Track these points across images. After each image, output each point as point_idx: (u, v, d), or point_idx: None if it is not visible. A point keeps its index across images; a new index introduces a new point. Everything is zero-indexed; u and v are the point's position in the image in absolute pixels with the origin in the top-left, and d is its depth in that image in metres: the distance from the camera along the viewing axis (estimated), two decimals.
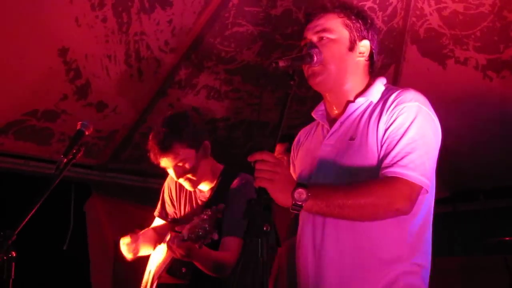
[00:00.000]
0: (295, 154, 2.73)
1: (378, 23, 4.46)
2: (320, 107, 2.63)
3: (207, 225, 2.78)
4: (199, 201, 3.34)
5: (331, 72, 2.46)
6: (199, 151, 3.24)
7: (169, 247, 2.95)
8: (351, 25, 2.48)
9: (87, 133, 2.70)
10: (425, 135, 2.32)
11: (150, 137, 3.25)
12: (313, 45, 2.46)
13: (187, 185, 3.28)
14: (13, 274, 2.28)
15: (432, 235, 2.45)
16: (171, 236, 3.01)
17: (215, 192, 3.27)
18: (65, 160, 2.58)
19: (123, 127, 4.78)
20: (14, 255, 2.30)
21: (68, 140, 4.37)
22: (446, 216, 5.66)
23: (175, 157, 3.18)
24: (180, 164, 3.19)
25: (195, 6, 4.08)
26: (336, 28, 2.47)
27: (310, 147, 2.62)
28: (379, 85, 2.51)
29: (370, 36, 2.52)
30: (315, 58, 2.40)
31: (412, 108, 2.34)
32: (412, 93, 2.39)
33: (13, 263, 2.29)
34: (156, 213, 3.55)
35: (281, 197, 2.18)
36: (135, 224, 5.09)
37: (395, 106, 2.35)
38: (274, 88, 4.66)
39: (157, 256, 3.30)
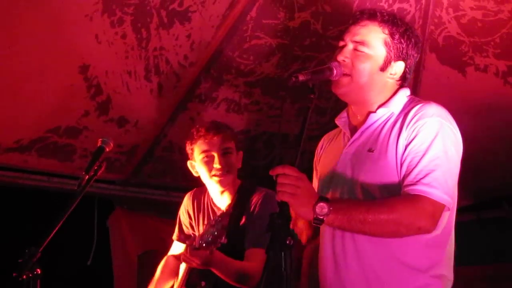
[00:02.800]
0: (318, 160, 2.74)
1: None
2: (343, 114, 2.62)
3: (215, 230, 2.80)
4: None
5: (356, 86, 2.45)
6: (238, 153, 3.35)
7: (184, 259, 2.96)
8: (391, 45, 2.45)
9: (107, 149, 2.72)
10: (447, 151, 2.30)
11: (199, 125, 3.38)
12: (334, 60, 2.45)
13: (217, 182, 3.28)
14: None
15: (455, 244, 2.44)
16: (185, 248, 3.03)
17: (234, 207, 3.27)
18: (87, 177, 2.60)
19: (144, 141, 4.81)
20: (39, 272, 2.32)
21: (90, 156, 4.40)
22: (469, 224, 5.61)
23: (225, 139, 3.28)
24: (228, 145, 3.28)
25: (213, 21, 4.10)
26: (374, 44, 2.45)
27: (331, 153, 2.63)
28: (402, 96, 2.50)
29: (408, 58, 2.48)
30: (335, 72, 2.39)
31: (434, 123, 2.32)
32: (434, 107, 2.38)
33: (39, 281, 2.31)
34: (174, 237, 3.55)
35: (302, 211, 2.19)
36: (158, 238, 5.13)
37: (416, 121, 2.33)
38: (294, 99, 4.66)
39: (180, 273, 3.31)
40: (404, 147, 2.33)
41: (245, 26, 4.20)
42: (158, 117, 4.66)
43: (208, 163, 3.26)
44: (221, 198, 3.33)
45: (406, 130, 2.35)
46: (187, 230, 3.48)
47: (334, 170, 2.51)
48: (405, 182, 2.28)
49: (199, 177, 3.41)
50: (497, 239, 5.41)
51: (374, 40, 2.45)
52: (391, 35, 2.45)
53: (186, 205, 3.50)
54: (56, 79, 4.05)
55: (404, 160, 2.31)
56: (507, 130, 4.75)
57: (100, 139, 2.71)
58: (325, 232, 2.50)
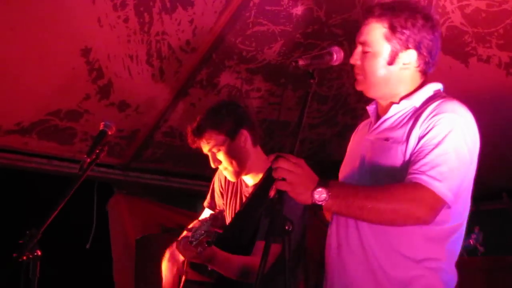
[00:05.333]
0: (350, 143, 2.76)
1: None
2: (374, 101, 2.64)
3: (203, 231, 2.78)
4: (243, 197, 3.31)
5: (370, 84, 2.49)
6: (235, 140, 3.23)
7: (179, 250, 2.95)
8: (393, 38, 2.43)
9: (109, 133, 2.72)
10: (459, 149, 2.28)
11: (188, 126, 3.30)
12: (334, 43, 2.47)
13: (227, 175, 3.28)
14: (38, 272, 2.31)
15: None
16: (180, 239, 3.01)
17: (254, 192, 3.23)
18: (89, 160, 2.61)
19: (145, 126, 4.81)
20: (40, 254, 2.32)
21: (91, 139, 4.42)
22: (469, 215, 5.61)
23: (208, 142, 3.21)
24: (214, 150, 3.21)
25: (216, 6, 4.08)
26: (375, 41, 2.45)
27: (357, 139, 2.68)
28: (428, 90, 2.48)
29: (420, 43, 2.44)
30: (335, 56, 2.39)
31: (450, 120, 2.30)
32: (453, 104, 2.36)
33: (39, 262, 2.32)
34: (205, 203, 3.51)
35: (301, 197, 2.18)
36: (157, 223, 5.15)
37: (433, 116, 2.32)
38: (295, 87, 4.65)
39: None
40: (417, 140, 2.32)
41: (248, 12, 4.18)
42: (159, 102, 4.66)
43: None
44: (248, 178, 3.31)
45: (422, 123, 2.34)
46: (218, 199, 3.46)
47: (353, 155, 2.56)
48: (410, 170, 2.26)
49: (204, 157, 3.40)
50: (497, 231, 5.42)
51: (375, 38, 2.45)
52: (391, 27, 2.43)
53: (219, 173, 3.46)
54: (58, 62, 4.04)
55: (414, 152, 2.30)
56: (507, 121, 4.75)
57: (103, 123, 2.71)
58: (331, 221, 2.52)
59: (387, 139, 2.41)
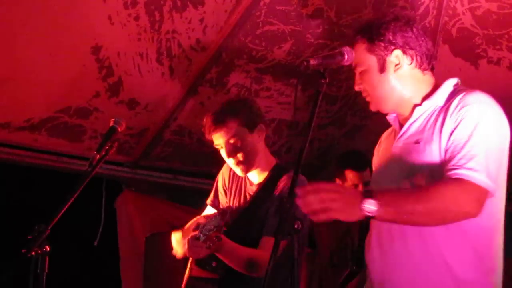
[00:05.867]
0: (375, 156, 2.80)
1: None
2: None
3: (211, 227, 2.80)
4: (247, 195, 3.32)
5: (377, 99, 2.56)
6: (253, 132, 3.24)
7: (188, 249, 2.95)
8: (374, 48, 2.51)
9: (119, 129, 2.73)
10: (490, 137, 2.32)
11: (205, 117, 3.28)
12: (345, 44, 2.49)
13: (238, 169, 3.26)
14: (47, 268, 2.32)
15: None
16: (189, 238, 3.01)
17: (262, 188, 3.24)
18: (98, 156, 2.61)
19: (154, 124, 4.82)
20: (48, 249, 2.33)
21: (100, 137, 4.43)
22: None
23: (228, 131, 3.18)
24: (232, 141, 3.19)
25: (227, 5, 4.09)
26: (362, 58, 2.54)
27: (384, 149, 2.71)
28: (448, 87, 2.52)
29: (401, 42, 2.50)
30: (346, 57, 2.41)
31: (476, 110, 2.34)
32: (477, 95, 2.41)
33: (47, 257, 2.33)
34: (208, 201, 3.52)
35: (352, 216, 2.21)
36: (165, 221, 5.16)
37: (459, 110, 2.35)
38: (305, 87, 4.65)
39: None
40: (448, 136, 2.34)
41: (258, 12, 4.19)
42: (169, 101, 4.66)
43: (223, 155, 3.25)
44: (253, 175, 3.32)
45: (449, 119, 2.37)
46: (221, 197, 3.47)
47: (385, 165, 2.60)
48: (448, 167, 2.29)
49: (214, 155, 3.40)
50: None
51: (360, 56, 2.54)
52: (369, 40, 2.52)
53: (224, 172, 3.47)
54: (68, 59, 4.06)
55: (448, 148, 2.33)
56: None
57: (113, 119, 2.72)
58: (372, 225, 2.55)
59: (417, 142, 2.44)
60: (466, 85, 4.61)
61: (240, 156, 3.21)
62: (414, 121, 2.51)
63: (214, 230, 2.77)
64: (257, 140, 3.27)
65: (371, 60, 2.53)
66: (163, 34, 4.14)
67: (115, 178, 5.15)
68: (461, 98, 2.39)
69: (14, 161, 4.62)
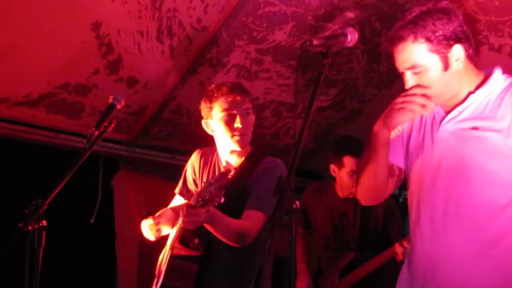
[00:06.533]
0: (406, 134, 2.70)
1: (413, 7, 4.40)
2: None
3: (213, 188, 2.79)
4: None
5: (439, 96, 2.48)
6: (254, 114, 3.36)
7: (182, 218, 2.96)
8: (435, 46, 2.43)
9: (118, 106, 2.72)
10: None
11: (218, 84, 3.36)
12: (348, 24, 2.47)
13: (237, 142, 3.27)
14: (43, 242, 2.32)
15: None
16: (182, 206, 3.04)
17: (239, 172, 3.27)
18: (97, 132, 2.60)
19: (153, 103, 4.81)
20: (45, 224, 2.33)
21: (99, 114, 4.42)
22: None
23: (247, 102, 3.28)
24: (248, 111, 3.28)
25: None
26: (422, 59, 2.44)
27: (421, 138, 2.61)
28: (498, 75, 2.51)
29: (456, 35, 2.45)
30: (349, 37, 2.40)
31: None
32: None
33: (44, 232, 2.33)
34: (176, 190, 3.57)
35: None
36: (162, 200, 5.16)
37: None
38: (305, 69, 4.64)
39: (173, 231, 3.32)
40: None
41: None
42: (168, 80, 4.66)
43: (229, 122, 3.23)
44: (230, 159, 3.34)
45: None
46: (190, 185, 3.50)
47: (431, 147, 2.54)
48: None
49: (211, 136, 3.40)
50: None
51: (419, 57, 2.45)
52: (428, 40, 2.43)
53: (193, 161, 3.51)
54: (68, 34, 4.03)
55: None
56: None
57: (112, 96, 2.71)
58: (423, 203, 2.54)
59: (475, 128, 2.42)
60: None
61: (247, 128, 3.27)
62: (467, 107, 2.48)
63: (214, 191, 2.77)
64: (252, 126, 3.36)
65: (434, 59, 2.44)
66: (164, 12, 4.12)
67: (112, 156, 5.15)
68: None
69: (12, 136, 4.61)
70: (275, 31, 4.46)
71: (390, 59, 4.86)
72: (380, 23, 4.49)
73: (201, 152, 3.53)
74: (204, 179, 3.40)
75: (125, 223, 5.11)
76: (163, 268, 3.19)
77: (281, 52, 4.62)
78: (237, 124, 3.22)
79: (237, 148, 3.29)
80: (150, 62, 4.42)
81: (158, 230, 3.27)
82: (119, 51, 4.26)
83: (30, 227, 2.32)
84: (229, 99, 3.23)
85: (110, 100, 2.70)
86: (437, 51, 2.43)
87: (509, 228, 2.36)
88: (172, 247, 3.22)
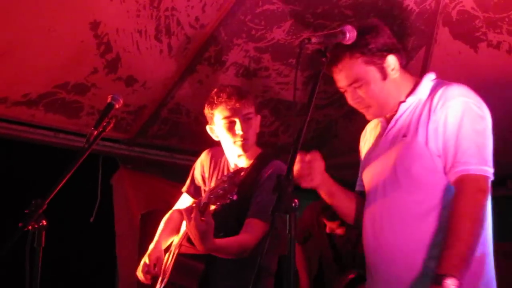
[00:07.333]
0: (363, 145, 2.96)
1: (410, 4, 4.42)
2: None
3: (226, 185, 2.80)
4: None
5: (380, 106, 2.68)
6: (258, 116, 3.34)
7: (186, 218, 2.95)
8: (371, 59, 2.58)
9: (117, 106, 2.73)
10: (476, 126, 2.47)
11: (219, 89, 3.32)
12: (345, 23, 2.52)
13: (240, 146, 3.26)
14: (43, 242, 2.33)
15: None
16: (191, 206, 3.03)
17: (247, 174, 3.26)
18: (96, 132, 2.61)
19: (152, 102, 4.81)
20: (45, 224, 2.34)
21: (97, 113, 4.42)
22: None
23: (248, 106, 3.25)
24: (249, 117, 3.26)
25: None
26: (361, 72, 2.60)
27: (372, 144, 2.84)
28: (427, 82, 2.66)
29: (388, 46, 2.62)
30: (348, 35, 2.43)
31: (458, 104, 2.49)
32: (455, 88, 2.55)
33: (44, 232, 2.33)
34: (184, 189, 3.55)
35: None
36: (161, 199, 5.17)
37: (442, 106, 2.50)
38: (303, 67, 4.64)
39: (182, 228, 3.32)
40: (434, 131, 2.50)
41: None
42: (167, 78, 4.65)
43: (230, 128, 3.23)
44: (238, 162, 3.34)
45: (434, 115, 2.52)
46: (199, 183, 3.49)
47: (375, 157, 2.73)
48: (446, 169, 2.48)
49: (209, 135, 3.41)
50: (503, 217, 5.44)
51: (359, 70, 2.61)
52: (362, 53, 2.57)
53: (202, 160, 3.50)
54: (67, 34, 4.03)
55: (437, 147, 2.49)
56: None
57: (110, 96, 2.72)
58: (366, 216, 2.73)
59: (405, 135, 2.58)
60: (465, 69, 4.64)
61: (249, 132, 3.26)
62: (400, 116, 2.65)
63: (227, 187, 2.78)
64: (257, 127, 3.34)
65: (371, 71, 2.60)
66: (162, 11, 4.12)
67: (111, 155, 5.15)
68: (442, 93, 2.54)
69: (11, 136, 4.61)
70: (273, 29, 4.45)
71: None
72: (378, 20, 4.49)
73: (211, 152, 3.53)
74: (214, 178, 3.40)
75: (124, 221, 5.11)
76: (169, 266, 3.19)
77: (280, 50, 4.62)
78: (238, 130, 3.23)
79: (241, 153, 3.30)
80: (148, 61, 4.41)
81: (147, 276, 3.24)
82: (118, 50, 4.25)
83: (30, 227, 2.33)
84: (229, 106, 3.23)
85: (109, 100, 2.71)
86: (373, 63, 2.59)
87: (439, 228, 2.48)
88: (179, 245, 3.22)
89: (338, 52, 2.57)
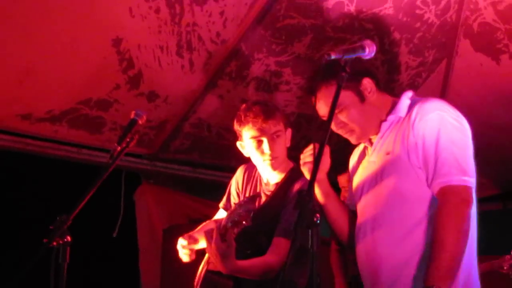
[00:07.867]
0: (351, 169, 3.00)
1: (431, 16, 4.41)
2: None
3: (242, 211, 2.79)
4: (263, 195, 3.31)
5: (363, 129, 2.75)
6: (286, 132, 3.27)
7: (207, 240, 2.94)
8: (348, 84, 2.58)
9: (140, 122, 2.74)
10: (453, 138, 2.53)
11: (247, 106, 3.25)
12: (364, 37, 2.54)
13: (269, 165, 3.22)
14: (68, 258, 2.34)
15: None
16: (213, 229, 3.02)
17: (279, 188, 3.25)
18: (119, 148, 2.63)
19: (174, 117, 4.84)
20: (70, 239, 2.36)
21: (120, 129, 4.46)
22: (496, 213, 5.59)
23: (275, 124, 3.17)
24: (278, 134, 3.19)
25: None
26: (340, 99, 2.53)
27: (360, 164, 2.90)
28: (405, 100, 2.74)
29: (362, 69, 2.69)
30: (367, 50, 2.44)
31: (434, 119, 2.55)
32: (431, 103, 2.62)
33: (68, 247, 2.35)
34: (221, 204, 3.54)
35: None
36: (183, 214, 5.19)
37: (419, 121, 2.57)
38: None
39: None
40: (414, 146, 2.56)
41: (278, 5, 4.18)
42: (188, 94, 4.68)
43: (258, 147, 3.18)
44: (270, 177, 3.33)
45: (412, 130, 2.58)
46: (234, 200, 3.48)
47: (364, 179, 2.78)
48: (428, 181, 2.53)
49: (231, 149, 3.41)
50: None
51: (336, 98, 2.57)
52: (337, 79, 2.51)
53: (237, 176, 3.49)
54: (89, 51, 4.08)
55: (419, 161, 2.55)
56: None
57: (134, 111, 2.73)
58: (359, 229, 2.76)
59: (387, 153, 2.65)
60: (487, 81, 4.62)
61: (278, 151, 3.19)
62: (383, 134, 2.72)
63: (243, 214, 2.77)
64: (286, 140, 3.28)
65: (349, 96, 2.67)
66: (183, 27, 4.15)
67: (134, 170, 5.19)
68: (418, 109, 2.60)
69: (35, 152, 4.67)
70: (294, 43, 4.47)
71: (409, 69, 4.89)
72: (399, 33, 4.49)
73: (245, 167, 3.51)
74: (247, 194, 3.39)
75: (147, 236, 5.13)
76: (198, 282, 3.19)
77: (301, 64, 4.63)
78: (266, 150, 3.17)
79: (270, 170, 3.27)
80: (170, 77, 4.45)
81: (191, 252, 3.26)
82: (140, 66, 4.29)
83: (55, 243, 2.34)
84: (256, 126, 3.16)
85: (132, 116, 2.72)
86: (349, 87, 2.63)
87: (427, 239, 2.50)
88: (208, 262, 3.22)
89: (314, 84, 2.69)
